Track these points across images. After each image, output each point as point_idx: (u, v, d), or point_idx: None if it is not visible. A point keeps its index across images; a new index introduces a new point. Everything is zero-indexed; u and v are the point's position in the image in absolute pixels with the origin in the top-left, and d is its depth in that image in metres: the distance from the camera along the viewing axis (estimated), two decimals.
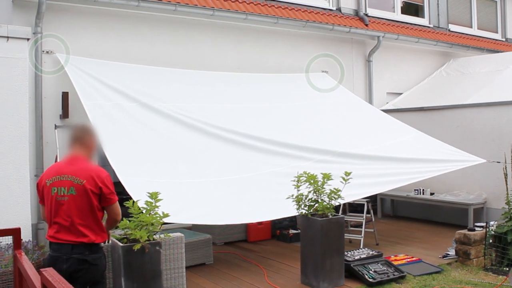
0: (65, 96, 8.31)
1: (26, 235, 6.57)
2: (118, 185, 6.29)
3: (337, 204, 6.98)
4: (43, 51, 8.34)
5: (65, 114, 8.32)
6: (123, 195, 6.01)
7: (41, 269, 3.24)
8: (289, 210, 7.06)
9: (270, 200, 7.32)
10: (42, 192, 4.78)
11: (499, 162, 8.97)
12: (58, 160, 7.70)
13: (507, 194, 8.05)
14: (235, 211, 7.04)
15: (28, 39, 7.06)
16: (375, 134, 9.61)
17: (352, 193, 7.53)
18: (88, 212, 4.66)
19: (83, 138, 4.93)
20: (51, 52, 8.41)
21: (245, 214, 7.11)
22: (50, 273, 3.05)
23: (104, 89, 8.07)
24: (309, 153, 8.31)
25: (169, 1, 9.32)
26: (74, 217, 4.60)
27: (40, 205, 4.94)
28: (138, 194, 5.65)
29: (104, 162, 7.06)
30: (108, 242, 5.36)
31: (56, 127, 8.16)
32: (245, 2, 10.57)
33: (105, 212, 4.85)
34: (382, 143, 9.16)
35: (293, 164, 7.40)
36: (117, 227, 5.16)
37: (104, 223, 4.89)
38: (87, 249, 4.63)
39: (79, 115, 7.79)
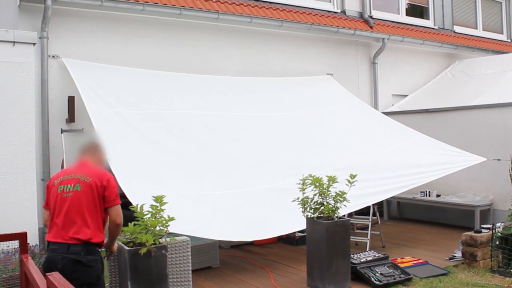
0: (71, 100, 8.34)
1: (33, 239, 6.60)
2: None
3: (344, 211, 6.96)
4: (49, 56, 8.38)
5: (71, 118, 8.35)
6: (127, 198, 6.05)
7: (47, 273, 3.26)
8: (295, 224, 7.10)
9: (274, 214, 7.35)
10: (49, 193, 4.87)
11: (499, 160, 8.96)
12: (65, 164, 7.76)
13: None
14: (240, 227, 7.07)
15: (34, 44, 7.10)
16: (377, 140, 9.60)
17: (358, 203, 7.57)
18: (89, 209, 4.72)
19: (93, 150, 5.11)
20: (57, 56, 8.45)
21: (250, 231, 7.16)
22: (56, 277, 3.06)
23: (108, 95, 8.11)
24: (311, 169, 8.30)
25: (174, 5, 9.36)
26: (75, 212, 4.68)
27: (44, 210, 4.99)
28: (138, 199, 5.64)
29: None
30: (108, 256, 5.32)
31: (62, 131, 8.18)
32: (249, 5, 10.59)
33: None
34: (383, 150, 9.17)
35: (295, 181, 7.38)
36: (122, 231, 5.19)
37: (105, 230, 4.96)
38: (83, 250, 4.66)
39: (85, 120, 7.81)
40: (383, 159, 8.87)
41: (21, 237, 5.32)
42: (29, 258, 5.03)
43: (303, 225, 7.14)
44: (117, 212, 4.86)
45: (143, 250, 5.05)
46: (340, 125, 9.99)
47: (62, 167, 7.83)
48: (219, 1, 10.16)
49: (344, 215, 7.10)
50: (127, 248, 5.20)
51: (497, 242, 7.88)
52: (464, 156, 9.14)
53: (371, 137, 9.73)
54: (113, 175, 6.54)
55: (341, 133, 9.72)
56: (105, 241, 4.95)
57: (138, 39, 9.41)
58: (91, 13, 8.86)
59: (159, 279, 5.23)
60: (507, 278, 7.23)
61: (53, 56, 8.44)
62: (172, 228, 5.51)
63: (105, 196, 4.79)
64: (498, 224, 8.13)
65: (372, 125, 10.25)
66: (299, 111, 10.00)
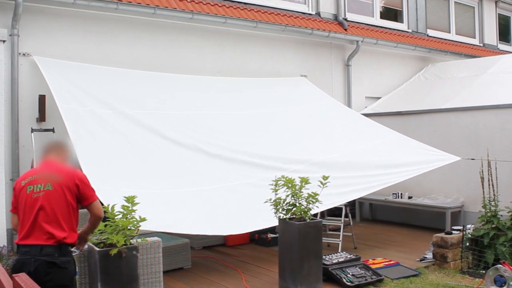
0: (42, 99, 8.22)
1: (1, 240, 6.50)
2: None
3: (315, 210, 6.96)
4: (20, 53, 8.24)
5: (41, 117, 8.24)
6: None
7: (13, 275, 3.19)
8: (267, 220, 7.07)
9: (247, 211, 7.31)
10: (17, 195, 4.73)
11: (473, 159, 9.08)
12: (35, 164, 7.64)
13: (484, 197, 8.14)
14: (211, 221, 7.01)
15: (4, 41, 6.99)
16: (352, 138, 9.64)
17: (329, 202, 7.56)
18: (62, 208, 4.65)
19: (58, 150, 5.04)
20: (28, 54, 8.33)
21: (222, 225, 7.10)
22: (23, 278, 3.00)
23: (81, 93, 8.01)
24: (285, 163, 8.29)
25: (148, 5, 9.30)
26: (48, 212, 4.58)
27: (12, 214, 4.86)
28: (110, 200, 5.58)
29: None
30: (81, 247, 5.26)
31: (32, 130, 8.06)
32: (224, 6, 10.57)
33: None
34: (358, 147, 9.20)
35: (268, 175, 7.36)
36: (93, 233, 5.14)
37: (86, 224, 4.92)
38: (56, 251, 4.59)
39: (56, 119, 7.71)
40: (357, 157, 8.90)
41: None
42: None
43: (275, 221, 7.12)
44: (98, 207, 4.88)
45: (114, 251, 5.00)
46: (315, 123, 10.01)
47: (32, 167, 7.72)
48: (193, 1, 10.12)
49: (316, 216, 7.11)
50: (97, 249, 5.14)
51: (467, 244, 7.98)
52: (439, 155, 9.22)
53: (345, 135, 9.77)
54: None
55: (315, 130, 9.73)
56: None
57: (111, 38, 9.32)
58: (63, 11, 8.76)
59: (129, 280, 5.17)
60: (477, 279, 7.31)
61: (24, 54, 8.31)
62: (145, 225, 5.46)
63: (81, 195, 4.75)
64: (468, 226, 8.23)
65: (347, 123, 10.29)
66: (273, 109, 10.01)
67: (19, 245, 4.64)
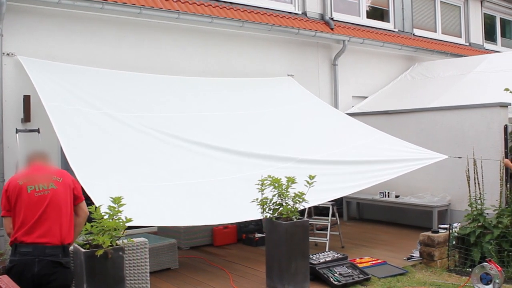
0: (26, 99, 8.15)
1: None
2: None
3: (301, 208, 6.96)
4: (4, 53, 8.17)
5: (26, 118, 8.17)
6: (88, 200, 5.93)
7: None
8: (253, 212, 7.03)
9: (233, 203, 7.29)
10: (14, 194, 4.64)
11: (460, 158, 9.12)
12: (19, 168, 7.56)
13: (470, 196, 8.18)
14: (198, 213, 6.98)
15: None
16: (338, 138, 9.65)
17: (316, 198, 7.54)
18: (67, 208, 4.74)
19: (42, 157, 5.06)
20: (12, 54, 8.25)
21: (209, 216, 7.06)
22: (5, 281, 2.97)
23: (66, 93, 7.93)
24: (271, 161, 8.28)
25: (134, 4, 9.26)
26: (54, 211, 4.63)
27: (6, 218, 4.76)
28: (100, 198, 5.57)
29: (66, 166, 6.94)
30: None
31: (17, 131, 8.00)
32: (210, 5, 10.54)
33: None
34: (344, 147, 9.21)
35: (255, 172, 7.36)
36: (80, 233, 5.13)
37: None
38: (61, 251, 4.62)
39: (41, 119, 7.65)
40: (343, 156, 8.90)
41: None
42: None
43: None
44: (85, 204, 5.04)
45: (100, 252, 4.96)
46: (301, 123, 10.00)
47: (17, 168, 7.65)
48: (179, 0, 10.09)
49: (303, 215, 7.09)
50: (83, 250, 5.11)
51: (454, 242, 8.01)
52: (425, 154, 9.25)
53: (332, 135, 9.78)
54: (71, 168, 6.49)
55: (302, 131, 9.72)
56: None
57: (97, 38, 9.27)
58: (48, 10, 8.69)
59: (116, 281, 5.14)
60: (463, 277, 7.34)
61: (8, 54, 8.23)
62: (137, 221, 5.45)
63: (75, 194, 4.88)
64: (455, 224, 8.26)
65: (334, 124, 10.30)
66: (260, 109, 9.99)
67: (17, 245, 4.59)
